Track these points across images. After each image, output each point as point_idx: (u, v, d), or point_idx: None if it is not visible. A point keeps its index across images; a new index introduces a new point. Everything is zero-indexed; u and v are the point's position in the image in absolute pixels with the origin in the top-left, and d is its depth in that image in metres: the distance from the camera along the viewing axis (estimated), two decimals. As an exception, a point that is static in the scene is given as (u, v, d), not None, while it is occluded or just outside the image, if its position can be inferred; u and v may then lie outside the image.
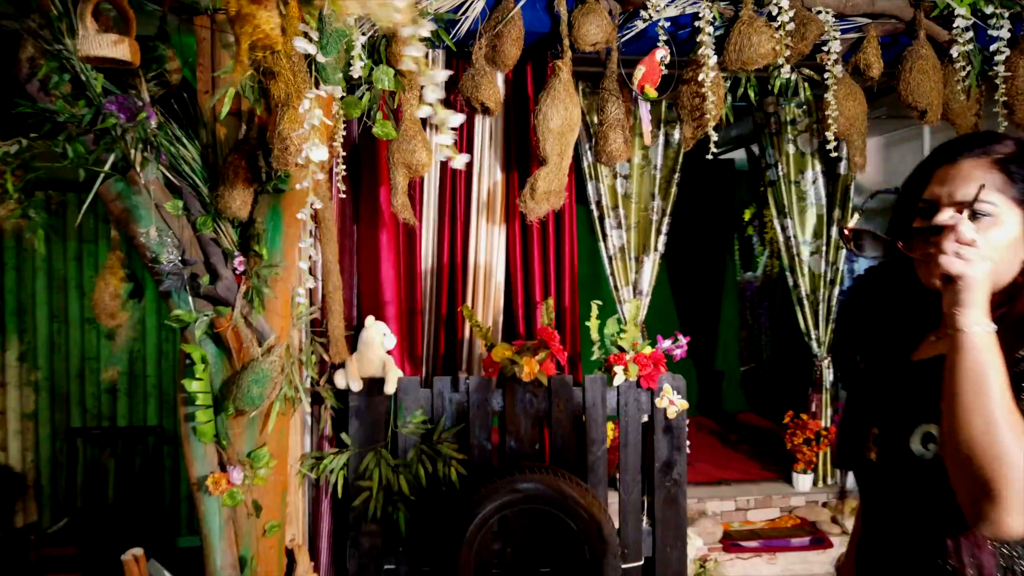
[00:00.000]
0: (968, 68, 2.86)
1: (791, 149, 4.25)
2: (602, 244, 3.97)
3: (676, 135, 4.02)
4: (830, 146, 2.77)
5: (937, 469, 1.06)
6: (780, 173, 4.24)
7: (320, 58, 1.52)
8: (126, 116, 2.22)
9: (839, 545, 3.80)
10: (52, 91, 2.25)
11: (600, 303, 2.85)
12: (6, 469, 4.35)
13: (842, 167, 4.18)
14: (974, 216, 1.11)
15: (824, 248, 4.25)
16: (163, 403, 4.49)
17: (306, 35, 1.58)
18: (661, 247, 4.05)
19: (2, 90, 2.34)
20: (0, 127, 2.37)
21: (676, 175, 4.06)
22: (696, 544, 3.31)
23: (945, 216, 1.11)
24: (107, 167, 2.29)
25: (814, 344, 4.22)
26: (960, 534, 1.10)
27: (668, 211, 4.04)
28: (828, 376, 4.20)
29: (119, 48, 1.52)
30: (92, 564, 3.59)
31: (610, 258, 3.97)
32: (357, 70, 1.84)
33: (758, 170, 4.80)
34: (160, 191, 2.36)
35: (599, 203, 3.93)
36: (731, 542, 3.70)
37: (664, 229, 4.04)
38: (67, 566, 3.59)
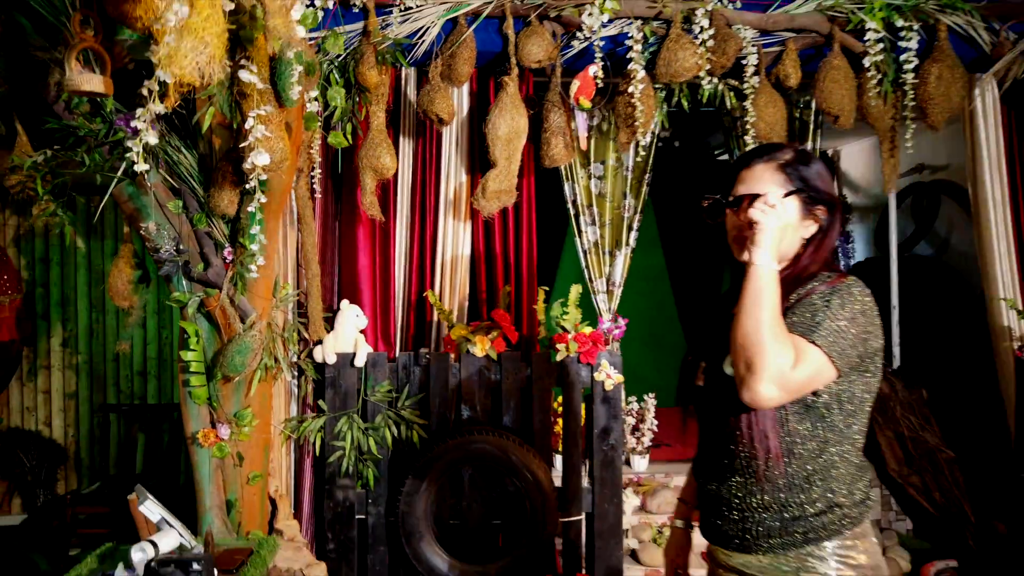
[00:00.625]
0: (882, 76, 3.16)
1: (759, 150, 4.54)
2: (577, 240, 4.32)
3: (645, 139, 4.36)
4: (749, 146, 3.10)
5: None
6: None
7: (259, 85, 1.94)
8: (132, 131, 2.68)
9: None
10: (74, 110, 2.73)
11: (547, 289, 3.23)
12: (50, 442, 4.91)
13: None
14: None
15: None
16: (186, 383, 5.01)
17: (246, 68, 2.00)
18: (633, 242, 4.38)
19: (34, 109, 2.84)
20: (32, 140, 2.86)
21: (647, 175, 4.38)
22: (633, 503, 3.66)
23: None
24: (119, 173, 2.76)
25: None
26: (752, 427, 1.49)
27: (639, 209, 4.37)
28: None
29: (97, 84, 1.95)
30: (120, 522, 4.08)
31: (585, 252, 4.32)
32: (296, 93, 2.25)
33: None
34: (164, 192, 2.82)
35: (575, 202, 4.28)
36: (690, 512, 4.02)
37: (635, 226, 4.37)
38: (98, 523, 4.10)
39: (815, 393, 1.47)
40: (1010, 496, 3.65)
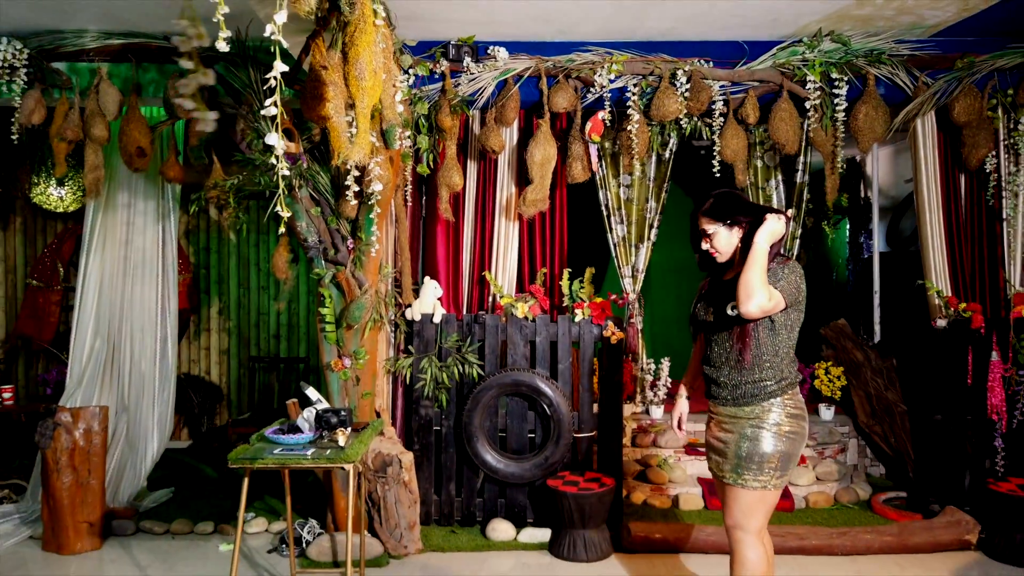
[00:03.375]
0: (821, 115, 4.24)
1: (759, 163, 5.61)
2: (609, 235, 5.52)
3: (665, 155, 5.51)
4: (715, 170, 4.24)
5: (734, 319, 2.62)
6: (749, 182, 5.61)
7: (377, 143, 3.26)
8: (291, 162, 4.07)
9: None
10: (252, 147, 4.15)
11: (570, 270, 4.47)
12: (210, 385, 6.49)
13: (797, 177, 5.51)
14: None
15: (780, 238, 5.60)
16: (310, 343, 6.49)
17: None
18: (653, 237, 5.53)
19: (225, 147, 4.28)
20: (223, 167, 4.31)
21: (666, 183, 5.53)
22: (647, 440, 4.85)
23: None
24: (281, 188, 4.15)
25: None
26: (742, 341, 2.65)
27: (659, 210, 5.53)
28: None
29: (291, 148, 3.32)
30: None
31: (615, 245, 5.51)
32: (396, 144, 3.57)
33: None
34: (308, 201, 4.20)
35: (607, 205, 5.47)
36: (691, 448, 5.17)
37: (656, 224, 5.52)
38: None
39: (772, 320, 2.61)
40: (930, 436, 4.64)
